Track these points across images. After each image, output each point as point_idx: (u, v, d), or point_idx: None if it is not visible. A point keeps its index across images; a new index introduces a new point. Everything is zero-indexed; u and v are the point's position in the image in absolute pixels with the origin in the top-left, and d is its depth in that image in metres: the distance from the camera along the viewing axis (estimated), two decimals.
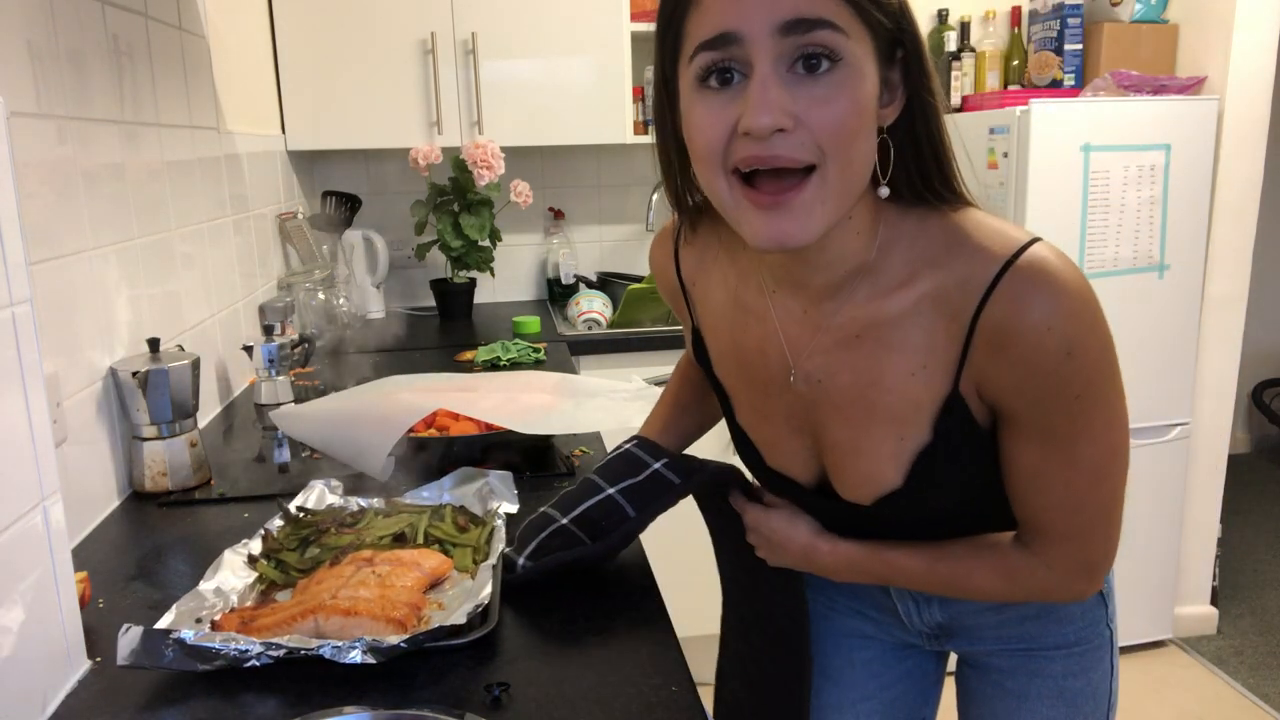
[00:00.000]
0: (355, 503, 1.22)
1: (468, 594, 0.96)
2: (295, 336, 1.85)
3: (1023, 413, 0.77)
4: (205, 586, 0.98)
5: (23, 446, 0.81)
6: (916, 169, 0.77)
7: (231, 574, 1.02)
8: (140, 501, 1.33)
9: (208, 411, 1.71)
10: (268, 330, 1.81)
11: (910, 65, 0.73)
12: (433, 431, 1.39)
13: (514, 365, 2.04)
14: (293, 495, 1.25)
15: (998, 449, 0.82)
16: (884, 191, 0.76)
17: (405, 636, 0.86)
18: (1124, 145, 2.42)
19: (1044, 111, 2.35)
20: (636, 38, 2.53)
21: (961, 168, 0.79)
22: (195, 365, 1.38)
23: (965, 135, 2.68)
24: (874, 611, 1.07)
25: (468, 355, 2.12)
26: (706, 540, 1.09)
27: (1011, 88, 2.79)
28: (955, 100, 2.83)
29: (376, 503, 1.22)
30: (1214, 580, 2.82)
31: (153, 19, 1.56)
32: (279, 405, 1.71)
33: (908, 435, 0.81)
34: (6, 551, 0.77)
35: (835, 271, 0.80)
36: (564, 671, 0.86)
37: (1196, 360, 2.59)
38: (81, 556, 1.11)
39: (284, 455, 1.49)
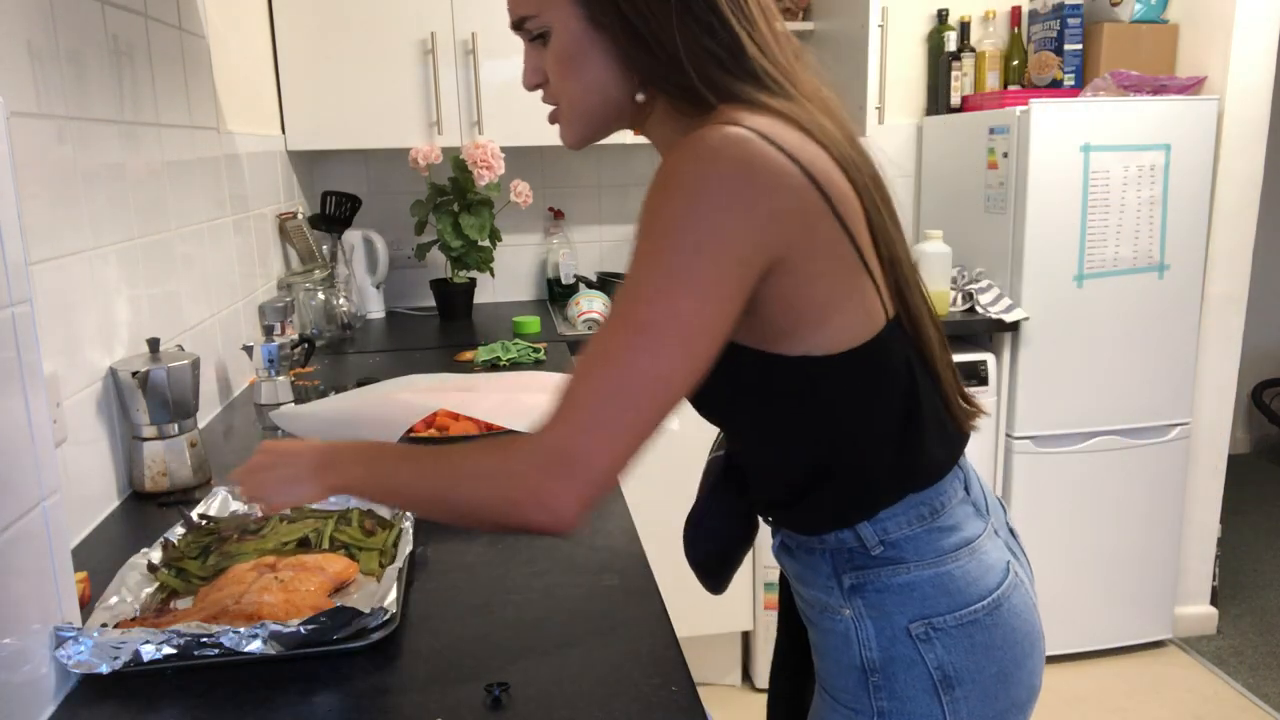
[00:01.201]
0: (259, 508, 1.20)
1: (372, 597, 0.97)
2: (295, 336, 1.85)
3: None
4: (106, 599, 0.97)
5: (23, 446, 0.81)
6: (649, 74, 0.84)
7: (132, 583, 1.02)
8: (140, 501, 1.33)
9: (208, 411, 1.71)
10: (268, 330, 1.81)
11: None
12: (433, 431, 1.39)
13: (514, 365, 2.04)
14: (192, 504, 1.24)
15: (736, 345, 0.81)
16: (639, 96, 0.86)
17: (303, 619, 0.86)
18: (1124, 145, 2.42)
19: (1044, 111, 2.35)
20: None
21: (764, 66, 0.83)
22: (195, 365, 1.38)
23: (966, 135, 2.68)
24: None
25: (468, 355, 2.12)
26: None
27: (1011, 88, 2.79)
28: (955, 100, 2.83)
29: None
30: (1214, 580, 2.82)
31: (152, 19, 1.56)
32: (279, 405, 1.71)
33: None
34: (6, 551, 0.77)
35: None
36: (564, 671, 0.86)
37: (1196, 360, 2.59)
38: (81, 556, 1.11)
39: None
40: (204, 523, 1.14)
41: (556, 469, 0.73)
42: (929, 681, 0.87)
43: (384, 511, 1.19)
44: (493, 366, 2.03)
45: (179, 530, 1.12)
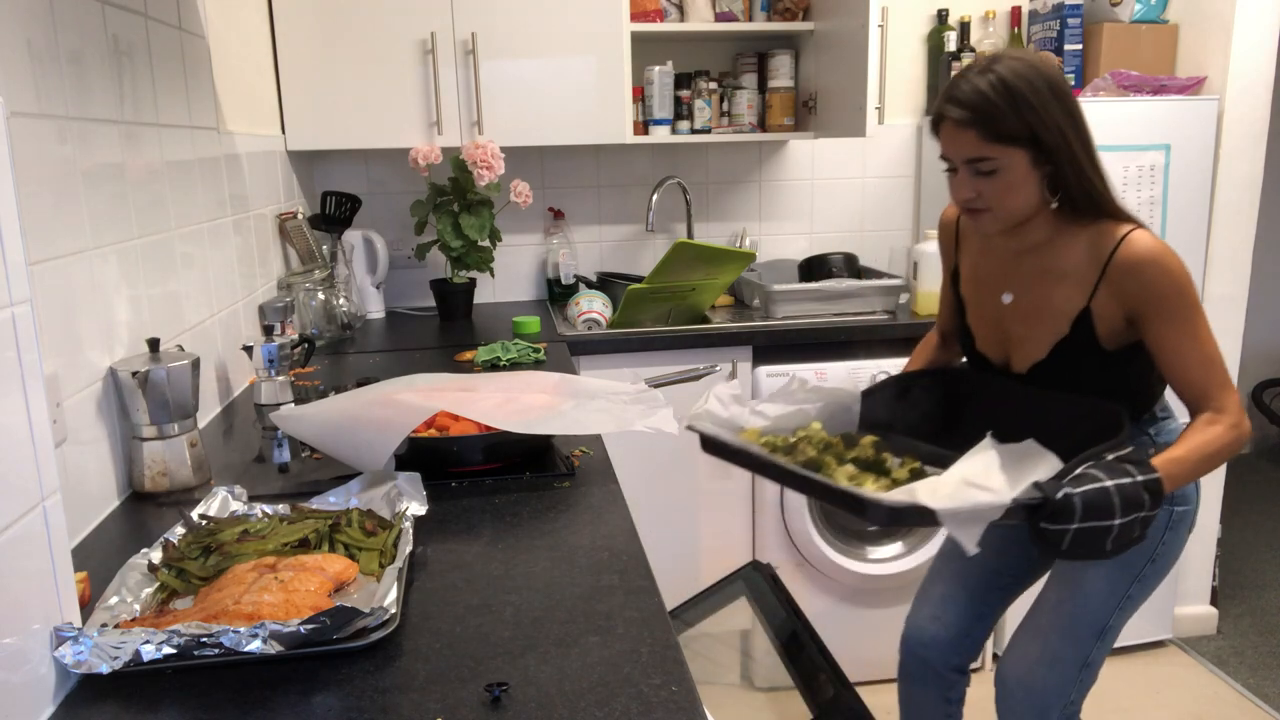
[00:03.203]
0: (259, 509, 1.20)
1: (372, 597, 0.96)
2: (295, 336, 1.85)
3: (1153, 311, 1.36)
4: (106, 599, 0.97)
5: (23, 446, 0.81)
6: (1070, 194, 1.40)
7: (132, 583, 1.02)
8: (140, 501, 1.33)
9: (208, 411, 1.71)
10: (268, 330, 1.81)
11: (1050, 148, 1.35)
12: (433, 432, 1.39)
13: (514, 365, 2.04)
14: (192, 504, 1.24)
15: (1148, 346, 1.39)
16: (1054, 205, 1.41)
17: (303, 619, 0.86)
18: (1124, 145, 2.42)
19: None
20: (636, 38, 2.54)
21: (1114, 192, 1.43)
22: (195, 365, 1.38)
23: None
24: None
25: (468, 355, 2.12)
26: (706, 540, 1.10)
27: None
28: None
29: (281, 509, 1.20)
30: (1214, 580, 2.82)
31: (153, 19, 1.56)
32: (279, 405, 1.71)
33: (1059, 331, 1.45)
34: (6, 551, 0.77)
35: (1028, 239, 1.47)
36: (564, 671, 0.86)
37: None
38: (81, 556, 1.11)
39: (284, 455, 1.49)
40: (204, 523, 1.14)
41: (1239, 412, 1.37)
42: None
43: (384, 511, 1.19)
44: (493, 367, 2.03)
45: (179, 530, 1.12)
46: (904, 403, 1.60)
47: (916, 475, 1.30)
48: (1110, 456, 1.27)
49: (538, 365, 2.04)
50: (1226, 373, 1.39)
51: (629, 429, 1.32)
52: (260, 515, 1.18)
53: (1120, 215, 1.42)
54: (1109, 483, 1.21)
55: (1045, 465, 1.23)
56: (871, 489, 1.25)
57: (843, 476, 1.29)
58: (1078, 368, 1.45)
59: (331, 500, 1.24)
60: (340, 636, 0.88)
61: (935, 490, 1.15)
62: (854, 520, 2.57)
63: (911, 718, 1.76)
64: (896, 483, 1.28)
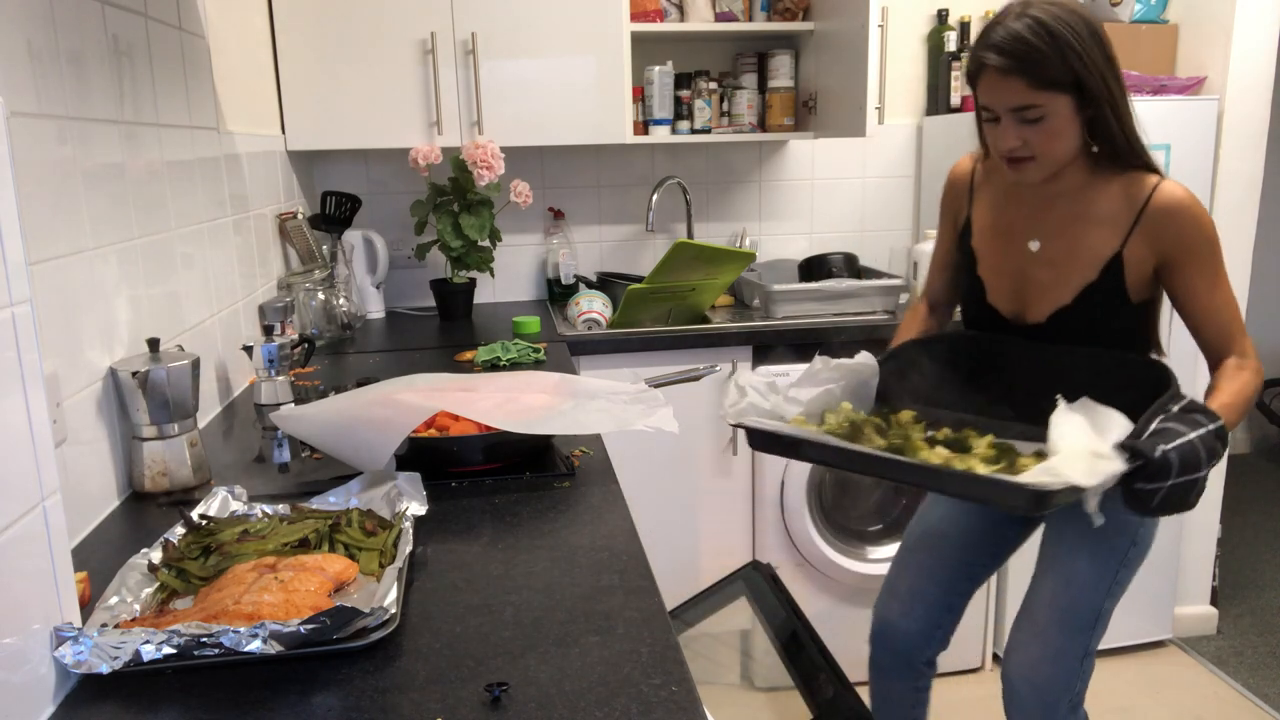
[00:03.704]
0: (259, 509, 1.20)
1: (372, 597, 0.96)
2: (295, 336, 1.85)
3: (1183, 259, 1.40)
4: (106, 599, 0.98)
5: (23, 446, 0.81)
6: (1109, 140, 1.40)
7: (132, 583, 1.02)
8: (140, 501, 1.33)
9: (208, 411, 1.71)
10: (268, 330, 1.81)
11: (1093, 92, 1.35)
12: (433, 431, 1.39)
13: (514, 365, 2.04)
14: (192, 504, 1.24)
15: (1172, 295, 1.44)
16: (1094, 149, 1.43)
17: (303, 619, 0.86)
18: None
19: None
20: (636, 38, 2.54)
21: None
22: (195, 365, 1.38)
23: (966, 135, 2.68)
24: None
25: (468, 355, 2.12)
26: (706, 540, 1.10)
27: None
28: (955, 100, 2.83)
29: (281, 509, 1.20)
30: (1214, 580, 2.83)
31: (153, 19, 1.56)
32: (279, 405, 1.71)
33: (1088, 276, 1.45)
34: (6, 551, 0.77)
35: (1061, 184, 1.47)
36: (564, 671, 0.86)
37: (1196, 360, 2.58)
38: (81, 556, 1.11)
39: (284, 455, 1.49)
40: (204, 523, 1.14)
41: (1257, 356, 1.44)
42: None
43: (384, 511, 1.19)
44: (493, 367, 2.03)
45: (179, 530, 1.12)
46: (916, 371, 1.58)
47: (1004, 451, 1.29)
48: (1175, 409, 1.26)
49: (537, 365, 2.04)
50: (1242, 320, 1.44)
51: (629, 429, 1.32)
52: (260, 515, 1.18)
53: (1151, 166, 1.43)
54: (1192, 435, 1.21)
55: (1117, 425, 1.22)
56: (983, 470, 1.23)
57: (936, 460, 1.27)
58: (1099, 316, 1.46)
59: (331, 500, 1.24)
60: (340, 636, 0.88)
61: (1074, 466, 1.13)
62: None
63: (884, 709, 1.78)
64: (986, 461, 1.27)
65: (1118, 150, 1.41)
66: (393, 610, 0.92)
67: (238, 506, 1.22)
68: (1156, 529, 1.54)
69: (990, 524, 1.67)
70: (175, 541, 1.09)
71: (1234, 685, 2.57)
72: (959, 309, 1.69)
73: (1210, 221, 1.39)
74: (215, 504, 1.21)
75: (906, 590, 1.70)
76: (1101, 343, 1.46)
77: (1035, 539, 1.66)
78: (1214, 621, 2.84)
